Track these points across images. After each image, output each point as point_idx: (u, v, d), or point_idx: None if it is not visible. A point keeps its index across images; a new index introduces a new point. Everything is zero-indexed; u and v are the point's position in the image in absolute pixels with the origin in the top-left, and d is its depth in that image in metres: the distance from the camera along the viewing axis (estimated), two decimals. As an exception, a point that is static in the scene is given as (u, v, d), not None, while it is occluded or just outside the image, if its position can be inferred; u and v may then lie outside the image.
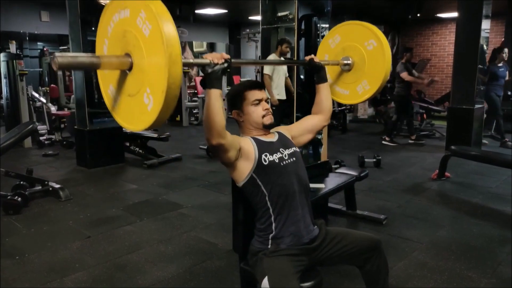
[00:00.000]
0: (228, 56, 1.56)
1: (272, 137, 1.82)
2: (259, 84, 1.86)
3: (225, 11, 9.15)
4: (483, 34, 5.78)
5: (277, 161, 1.72)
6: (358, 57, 2.25)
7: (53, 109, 6.90)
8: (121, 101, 1.48)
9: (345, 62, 2.28)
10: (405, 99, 6.58)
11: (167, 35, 1.23)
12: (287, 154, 1.77)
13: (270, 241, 1.67)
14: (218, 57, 1.52)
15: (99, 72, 1.59)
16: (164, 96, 1.25)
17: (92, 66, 1.37)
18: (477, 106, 5.87)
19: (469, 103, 5.81)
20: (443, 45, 10.62)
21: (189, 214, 3.59)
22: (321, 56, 2.41)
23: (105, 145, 5.29)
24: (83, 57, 1.36)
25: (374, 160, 5.14)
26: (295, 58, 3.65)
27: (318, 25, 5.44)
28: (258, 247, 1.70)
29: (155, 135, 5.59)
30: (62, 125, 6.82)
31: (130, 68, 1.38)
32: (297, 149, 1.84)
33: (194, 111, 9.34)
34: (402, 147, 6.42)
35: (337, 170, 3.51)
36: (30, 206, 3.72)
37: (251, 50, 10.83)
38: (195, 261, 2.70)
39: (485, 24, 5.85)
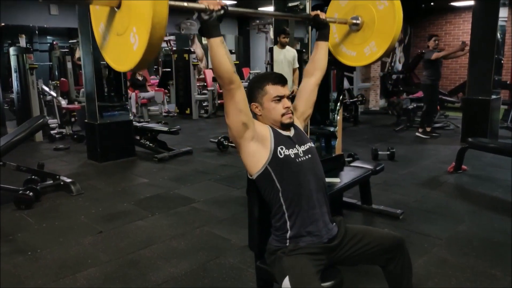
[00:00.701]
0: (224, 3, 1.51)
1: (289, 131, 1.74)
2: (284, 79, 1.74)
3: (234, 2, 9.03)
4: (500, 22, 5.61)
5: (292, 156, 1.64)
6: (368, 17, 2.17)
7: (64, 102, 6.89)
8: (110, 40, 1.49)
9: (354, 21, 2.19)
10: (433, 87, 6.32)
11: None
12: (302, 151, 1.68)
13: (288, 240, 1.60)
14: (214, 3, 1.48)
15: (91, 8, 1.56)
16: (149, 36, 1.24)
17: (78, 1, 1.37)
18: (493, 96, 5.72)
19: (486, 93, 5.67)
20: (457, 35, 10.38)
21: (201, 208, 3.54)
22: (331, 14, 2.33)
23: (115, 138, 5.25)
24: None
25: (388, 152, 5.03)
26: (309, 48, 3.54)
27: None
28: (276, 246, 1.63)
29: (166, 129, 5.55)
30: (73, 119, 6.82)
31: (119, 6, 1.37)
32: (313, 145, 1.76)
33: (203, 104, 9.28)
34: (421, 139, 6.26)
35: (351, 164, 3.42)
36: (41, 201, 3.71)
37: (261, 41, 10.72)
38: (209, 257, 2.65)
39: (503, 12, 5.68)
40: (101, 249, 2.79)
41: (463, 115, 6.01)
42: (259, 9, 9.85)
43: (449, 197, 3.71)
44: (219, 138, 5.65)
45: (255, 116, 1.76)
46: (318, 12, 1.95)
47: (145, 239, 2.93)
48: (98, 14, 1.53)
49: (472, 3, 6.19)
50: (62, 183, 3.99)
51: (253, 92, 1.73)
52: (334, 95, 5.63)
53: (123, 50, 1.37)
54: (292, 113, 1.73)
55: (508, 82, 8.27)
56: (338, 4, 2.33)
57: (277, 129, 1.70)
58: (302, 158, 1.66)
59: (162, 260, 2.62)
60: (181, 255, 2.70)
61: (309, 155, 1.69)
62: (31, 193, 3.58)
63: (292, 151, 1.65)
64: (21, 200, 3.52)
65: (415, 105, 7.30)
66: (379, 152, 5.04)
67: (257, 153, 1.62)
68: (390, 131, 6.97)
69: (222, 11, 1.48)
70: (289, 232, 1.60)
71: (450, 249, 2.69)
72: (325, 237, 1.62)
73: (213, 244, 2.86)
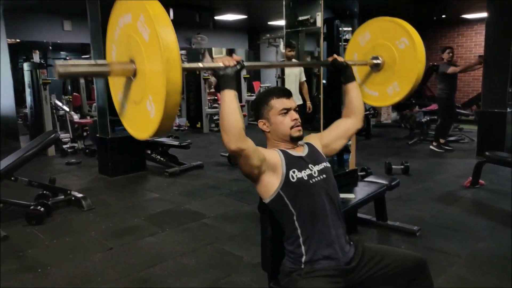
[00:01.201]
0: (239, 58, 1.47)
1: (301, 151, 1.68)
2: (288, 91, 1.71)
3: (244, 16, 9.10)
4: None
5: (305, 178, 1.58)
6: (388, 57, 2.10)
7: (76, 117, 6.94)
8: (128, 108, 1.46)
9: (375, 61, 2.12)
10: (449, 101, 6.21)
11: (163, 39, 1.17)
12: (317, 170, 1.62)
13: (303, 264, 1.54)
14: (230, 59, 1.45)
15: (110, 79, 1.54)
16: (164, 103, 1.20)
17: (93, 75, 1.33)
18: (509, 109, 5.60)
19: (502, 106, 5.56)
20: (469, 47, 10.29)
21: (212, 224, 3.49)
22: (350, 54, 2.27)
23: (126, 153, 5.25)
24: (84, 65, 1.32)
25: (402, 167, 4.94)
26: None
27: (340, 28, 5.32)
28: (290, 267, 1.56)
29: (177, 143, 5.54)
30: (85, 133, 6.86)
31: (135, 75, 1.33)
32: (328, 165, 1.69)
33: (214, 118, 9.29)
34: (436, 153, 6.15)
35: (366, 179, 3.35)
36: (52, 216, 3.69)
37: (271, 56, 10.73)
38: (220, 275, 2.59)
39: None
40: (111, 266, 2.74)
41: (478, 128, 5.90)
42: (269, 23, 9.91)
43: (466, 212, 3.60)
44: (230, 152, 5.62)
45: (264, 134, 1.72)
46: (335, 56, 1.87)
47: (155, 256, 2.89)
48: (116, 84, 1.51)
49: (484, 15, 6.12)
50: (73, 198, 3.98)
51: (259, 109, 1.69)
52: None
53: (141, 118, 1.34)
54: (301, 125, 1.67)
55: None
56: (357, 43, 2.25)
57: (288, 151, 1.64)
58: (316, 179, 1.60)
59: (173, 278, 2.57)
60: (192, 273, 2.64)
61: (324, 175, 1.63)
62: (42, 209, 3.57)
63: (305, 172, 1.59)
64: (32, 215, 3.51)
65: (428, 118, 7.20)
66: (393, 166, 4.95)
67: (269, 182, 1.57)
68: (403, 144, 6.87)
69: (238, 66, 1.45)
70: (304, 256, 1.54)
71: (470, 267, 2.59)
72: (342, 261, 1.55)
73: (224, 261, 2.80)
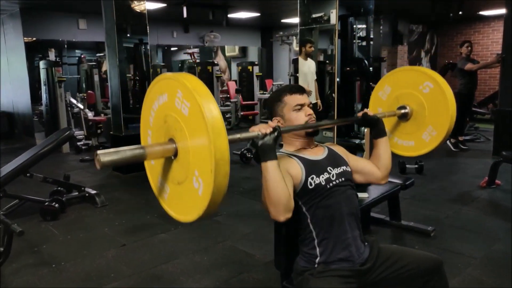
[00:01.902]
0: (275, 124, 1.42)
1: (321, 153, 1.66)
2: (301, 88, 1.69)
3: (257, 14, 9.07)
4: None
5: (323, 183, 1.55)
6: (415, 104, 2.02)
7: (90, 114, 7.01)
8: (170, 191, 1.36)
9: (403, 111, 2.05)
10: (469, 97, 6.09)
11: (206, 108, 1.12)
12: (335, 173, 1.59)
13: (316, 264, 1.52)
14: (265, 127, 1.40)
15: (146, 164, 1.48)
16: (214, 175, 1.12)
17: (136, 159, 1.25)
18: (527, 108, 5.49)
19: (519, 105, 5.45)
20: (485, 44, 10.11)
21: (224, 222, 3.49)
22: (374, 110, 2.20)
23: (140, 150, 5.28)
24: (125, 150, 1.24)
25: (416, 166, 4.88)
26: (335, 59, 3.48)
27: (354, 26, 5.27)
28: (303, 266, 1.55)
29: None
30: (99, 131, 6.92)
31: (176, 154, 1.27)
32: (348, 169, 1.66)
33: (226, 116, 9.30)
34: (451, 152, 6.05)
35: (379, 178, 3.31)
36: (67, 212, 3.74)
37: (284, 53, 10.70)
38: (232, 274, 2.59)
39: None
40: (124, 263, 2.77)
41: (495, 128, 5.79)
42: (282, 21, 9.87)
43: (482, 213, 3.54)
44: (242, 150, 5.62)
45: None
46: (365, 110, 1.79)
47: (168, 253, 2.90)
48: (153, 167, 1.45)
49: (502, 11, 6.00)
50: (87, 194, 4.03)
51: (273, 107, 1.67)
52: (360, 106, 5.52)
53: (188, 197, 1.26)
54: (316, 120, 1.65)
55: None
56: (379, 98, 2.16)
57: (306, 157, 1.61)
58: (334, 182, 1.57)
59: (185, 276, 2.58)
60: (204, 270, 2.65)
61: (342, 178, 1.60)
62: (57, 205, 3.62)
63: (323, 177, 1.56)
64: (47, 211, 3.56)
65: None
66: (407, 166, 4.89)
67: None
68: (417, 143, 6.78)
69: (275, 133, 1.39)
70: (318, 258, 1.53)
71: (485, 269, 2.54)
72: (357, 262, 1.54)
73: (236, 259, 2.80)
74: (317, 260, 1.53)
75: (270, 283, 2.44)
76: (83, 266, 2.73)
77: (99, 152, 1.14)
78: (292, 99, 1.63)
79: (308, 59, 4.57)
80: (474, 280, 2.41)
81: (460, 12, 7.89)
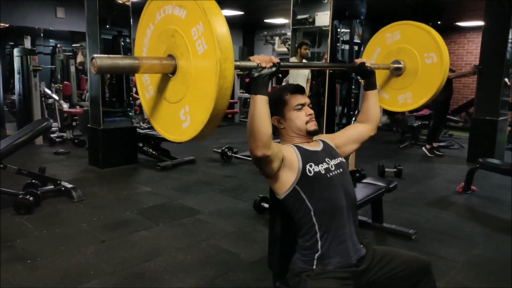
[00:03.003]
0: (277, 60, 1.40)
1: (317, 146, 1.67)
2: (301, 88, 1.69)
3: (241, 13, 9.03)
4: (510, 44, 5.60)
5: (323, 172, 1.56)
6: (411, 65, 2.05)
7: (65, 106, 6.79)
8: (163, 110, 1.33)
9: (396, 66, 2.08)
10: (445, 105, 6.25)
11: (217, 29, 1.10)
12: (333, 164, 1.61)
13: (315, 261, 1.51)
14: (267, 60, 1.38)
15: (138, 82, 1.45)
16: (215, 98, 1.11)
17: (132, 69, 1.21)
18: (501, 118, 5.68)
19: (494, 114, 5.63)
20: (461, 54, 10.42)
21: (206, 220, 3.43)
22: (372, 48, 2.22)
23: (118, 145, 5.15)
24: (122, 58, 1.21)
25: (395, 170, 4.96)
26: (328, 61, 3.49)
27: (338, 29, 5.30)
28: (301, 267, 1.53)
29: (170, 137, 5.44)
30: (74, 123, 6.71)
31: (174, 72, 1.24)
32: (343, 160, 1.68)
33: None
34: (427, 158, 6.18)
35: (363, 180, 3.34)
36: (42, 206, 3.58)
37: (267, 53, 10.69)
38: (217, 273, 2.54)
39: (513, 34, 5.67)
40: (105, 260, 2.67)
41: (470, 135, 5.96)
42: (265, 20, 9.86)
43: (461, 218, 3.63)
44: (223, 148, 5.56)
45: (277, 130, 1.69)
46: (364, 60, 1.84)
47: (150, 251, 2.82)
48: (146, 87, 1.43)
49: (478, 23, 6.19)
50: (63, 188, 3.88)
51: (273, 106, 1.64)
52: (339, 108, 5.56)
53: (172, 122, 1.25)
54: (315, 120, 1.66)
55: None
56: (384, 39, 2.18)
57: (303, 146, 1.62)
58: (333, 173, 1.58)
59: (168, 274, 2.51)
60: (188, 269, 2.58)
61: (340, 169, 1.61)
62: (31, 198, 3.46)
63: (322, 166, 1.57)
64: (21, 204, 3.40)
65: (419, 123, 7.26)
66: (386, 169, 4.97)
67: (284, 177, 1.54)
68: (395, 148, 6.91)
69: (274, 69, 1.38)
70: (319, 252, 1.51)
71: (467, 273, 2.59)
72: (353, 258, 1.53)
73: (221, 258, 2.75)
74: (316, 256, 1.51)
75: (257, 283, 2.41)
76: (61, 263, 2.61)
77: (96, 55, 1.12)
78: (293, 99, 1.64)
79: (304, 60, 4.58)
80: (458, 284, 2.46)
81: (439, 22, 8.11)
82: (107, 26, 4.99)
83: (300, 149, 1.60)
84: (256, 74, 1.36)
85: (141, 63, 1.20)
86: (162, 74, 1.28)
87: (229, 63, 1.12)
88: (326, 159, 1.61)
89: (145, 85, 1.42)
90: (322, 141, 1.71)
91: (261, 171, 1.51)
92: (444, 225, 3.43)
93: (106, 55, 1.15)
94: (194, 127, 1.17)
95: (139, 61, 1.20)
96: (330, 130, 5.13)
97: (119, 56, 1.23)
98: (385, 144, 7.37)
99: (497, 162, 4.38)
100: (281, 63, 1.42)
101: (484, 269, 2.64)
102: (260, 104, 1.35)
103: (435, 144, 6.38)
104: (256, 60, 1.37)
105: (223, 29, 1.13)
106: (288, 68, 1.64)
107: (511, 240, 3.08)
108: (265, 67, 1.37)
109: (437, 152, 6.33)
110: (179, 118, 1.21)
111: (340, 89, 5.85)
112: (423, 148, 6.43)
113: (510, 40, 5.57)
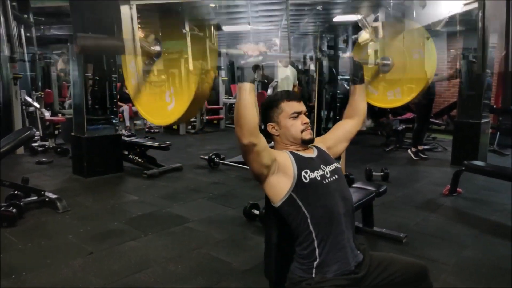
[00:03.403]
0: (264, 49, 1.44)
1: (311, 152, 1.66)
2: (298, 95, 1.70)
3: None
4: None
5: (319, 178, 1.55)
6: (399, 61, 2.09)
7: (47, 114, 6.64)
8: (146, 92, 1.34)
9: (384, 62, 2.11)
10: (428, 107, 6.23)
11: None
12: (329, 171, 1.60)
13: (314, 269, 1.49)
14: (253, 49, 1.42)
15: (124, 65, 1.44)
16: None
17: (115, 50, 1.20)
18: (483, 120, 5.79)
19: (476, 117, 5.73)
20: (441, 59, 10.62)
21: (196, 229, 3.38)
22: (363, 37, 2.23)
23: (103, 153, 5.04)
24: (106, 39, 1.20)
25: (382, 173, 4.98)
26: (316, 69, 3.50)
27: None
28: (300, 276, 1.51)
29: (156, 144, 5.38)
30: (56, 132, 6.56)
31: (158, 56, 1.24)
32: (339, 165, 1.68)
33: (191, 120, 9.13)
34: (412, 161, 6.23)
35: (354, 185, 3.35)
36: (25, 218, 3.48)
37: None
38: (210, 283, 2.50)
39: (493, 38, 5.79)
40: (93, 273, 2.60)
41: (453, 138, 6.05)
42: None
43: (449, 220, 3.67)
44: (210, 155, 5.52)
45: (271, 137, 1.68)
46: (352, 54, 1.90)
47: (139, 262, 2.76)
48: (130, 72, 1.43)
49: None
50: (47, 199, 3.78)
51: (268, 112, 1.67)
52: (325, 113, 5.59)
53: (158, 106, 1.27)
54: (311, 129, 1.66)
55: (494, 106, 8.43)
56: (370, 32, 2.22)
57: (297, 152, 1.61)
58: (329, 179, 1.57)
59: (159, 285, 2.46)
60: (180, 279, 2.54)
61: (336, 176, 1.60)
62: (14, 210, 3.36)
63: (317, 173, 1.56)
64: (3, 217, 3.30)
65: (404, 127, 7.34)
66: (373, 173, 5.00)
67: (279, 183, 1.53)
68: (380, 151, 6.96)
69: (260, 57, 1.43)
70: (317, 260, 1.49)
71: (459, 275, 2.61)
72: (352, 264, 1.52)
73: (212, 267, 2.71)
74: (315, 264, 1.50)
75: (251, 292, 2.38)
76: (48, 277, 2.53)
77: (79, 34, 1.09)
78: (290, 106, 1.63)
79: (289, 66, 4.62)
80: (450, 286, 2.47)
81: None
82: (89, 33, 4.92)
83: (295, 155, 1.59)
84: (242, 62, 1.40)
85: (125, 44, 1.19)
86: (147, 58, 1.28)
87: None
88: (321, 166, 1.60)
89: (131, 72, 1.42)
90: (316, 147, 1.71)
91: (251, 166, 1.50)
92: (433, 227, 3.46)
93: (90, 34, 1.13)
94: (179, 108, 1.17)
95: (123, 42, 1.19)
96: (317, 134, 5.18)
97: (103, 35, 1.22)
98: (370, 148, 7.43)
99: (482, 164, 4.45)
100: (268, 54, 1.48)
101: (474, 271, 2.66)
102: (246, 92, 1.39)
103: (420, 147, 6.46)
104: (244, 48, 1.41)
105: None
106: (274, 58, 1.70)
107: None
108: (251, 56, 1.41)
109: (422, 155, 6.40)
110: (165, 100, 1.21)
111: (324, 93, 5.93)
112: (409, 151, 6.49)
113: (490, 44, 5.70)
